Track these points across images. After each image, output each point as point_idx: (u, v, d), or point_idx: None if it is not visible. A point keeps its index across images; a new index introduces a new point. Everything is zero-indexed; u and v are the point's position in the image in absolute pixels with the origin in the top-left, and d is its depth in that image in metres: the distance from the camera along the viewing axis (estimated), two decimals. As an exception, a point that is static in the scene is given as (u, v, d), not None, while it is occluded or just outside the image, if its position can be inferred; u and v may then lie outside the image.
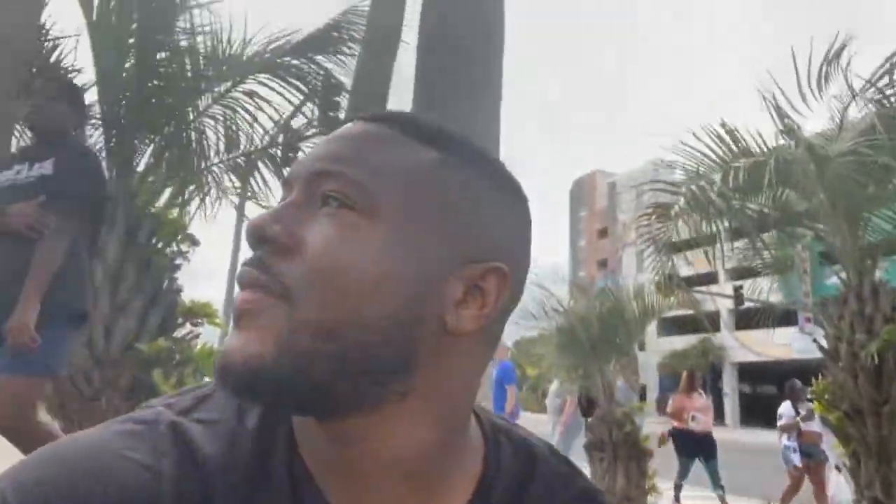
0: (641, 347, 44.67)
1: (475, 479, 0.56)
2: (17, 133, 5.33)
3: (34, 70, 4.88)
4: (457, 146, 0.53)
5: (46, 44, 5.06)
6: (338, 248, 0.47)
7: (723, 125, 6.10)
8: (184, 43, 5.33)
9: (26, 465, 0.46)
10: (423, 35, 3.58)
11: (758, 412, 37.14)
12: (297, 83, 5.62)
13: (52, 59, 5.12)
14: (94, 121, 5.16)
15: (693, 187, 6.00)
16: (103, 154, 5.52)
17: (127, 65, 5.07)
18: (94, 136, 5.34)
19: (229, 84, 5.62)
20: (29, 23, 4.49)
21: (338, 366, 0.46)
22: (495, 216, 0.53)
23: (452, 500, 0.53)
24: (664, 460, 7.72)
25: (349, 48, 5.64)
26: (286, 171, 0.54)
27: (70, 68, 5.16)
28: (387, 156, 0.50)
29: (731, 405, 38.06)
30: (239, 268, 0.50)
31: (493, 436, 0.59)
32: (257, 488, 0.49)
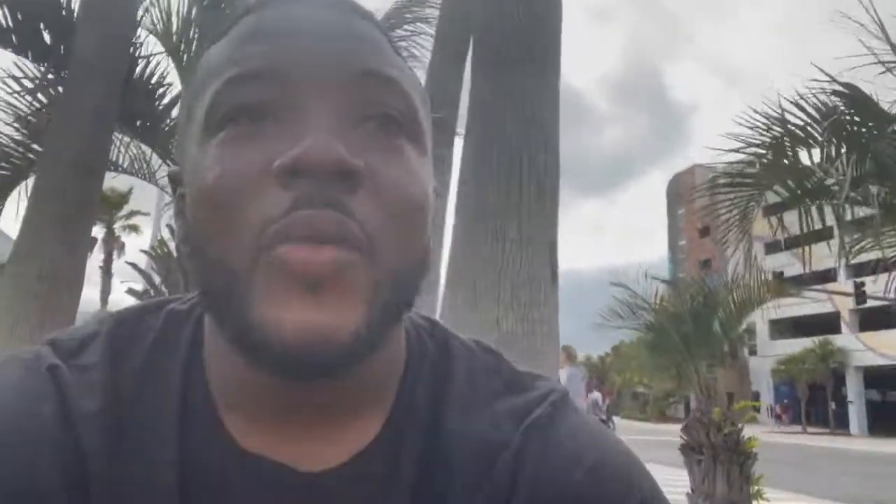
0: (753, 352, 42.43)
1: (396, 387, 0.51)
2: (119, 146, 5.78)
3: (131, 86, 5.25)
4: (404, 56, 0.49)
5: (140, 60, 5.40)
6: (409, 184, 0.42)
7: (845, 85, 5.12)
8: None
9: None
10: (477, 13, 3.51)
11: (889, 420, 34.08)
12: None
13: (145, 74, 5.46)
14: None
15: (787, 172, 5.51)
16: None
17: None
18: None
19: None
20: (122, 39, 4.81)
21: (397, 317, 0.44)
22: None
23: (373, 413, 0.49)
24: (774, 467, 7.17)
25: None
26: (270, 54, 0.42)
27: (159, 83, 5.50)
28: (404, 66, 0.46)
29: (857, 413, 35.16)
30: (291, 213, 0.38)
31: (417, 338, 0.54)
32: (151, 443, 0.45)
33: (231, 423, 0.46)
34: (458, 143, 4.27)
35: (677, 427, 8.47)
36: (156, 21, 5.49)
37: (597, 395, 9.07)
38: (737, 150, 5.77)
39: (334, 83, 0.41)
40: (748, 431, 6.98)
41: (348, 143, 0.39)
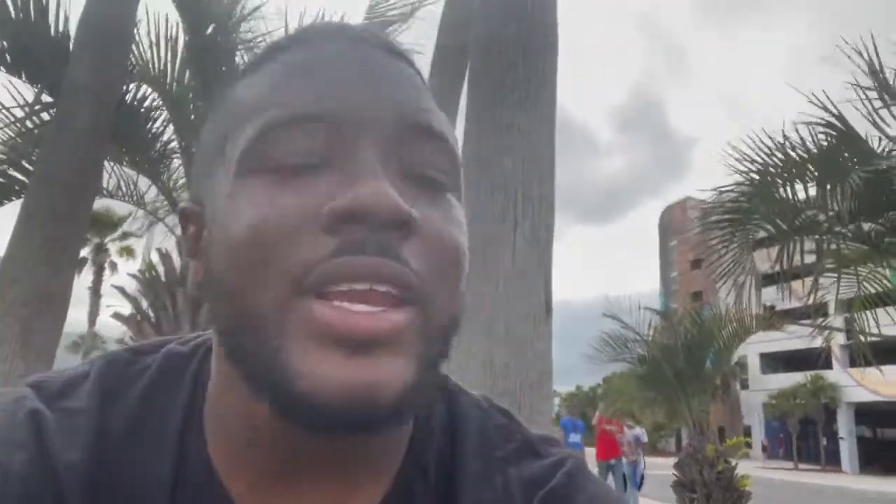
0: (744, 386, 42.27)
1: (405, 443, 0.48)
2: (106, 170, 5.73)
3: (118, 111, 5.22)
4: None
5: (131, 85, 5.39)
6: (454, 234, 0.41)
7: (832, 120, 5.11)
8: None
9: None
10: (475, 43, 3.52)
11: (880, 458, 33.91)
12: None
13: (137, 97, 5.45)
14: (172, 155, 5.45)
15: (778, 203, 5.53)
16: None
17: (200, 102, 5.33)
18: (175, 169, 5.64)
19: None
20: (115, 63, 4.80)
21: (438, 368, 0.42)
22: None
23: (383, 471, 0.46)
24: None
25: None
26: (314, 104, 0.40)
27: (151, 107, 5.48)
28: (442, 117, 0.44)
29: (848, 449, 34.95)
30: (338, 257, 0.37)
31: None
32: (120, 499, 0.42)
33: (231, 480, 0.43)
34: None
35: (668, 461, 8.37)
36: (143, 52, 5.48)
37: (638, 431, 8.79)
38: (723, 189, 5.81)
39: (384, 132, 0.40)
40: (740, 467, 6.89)
41: (399, 192, 0.38)
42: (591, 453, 9.41)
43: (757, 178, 5.67)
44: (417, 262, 0.38)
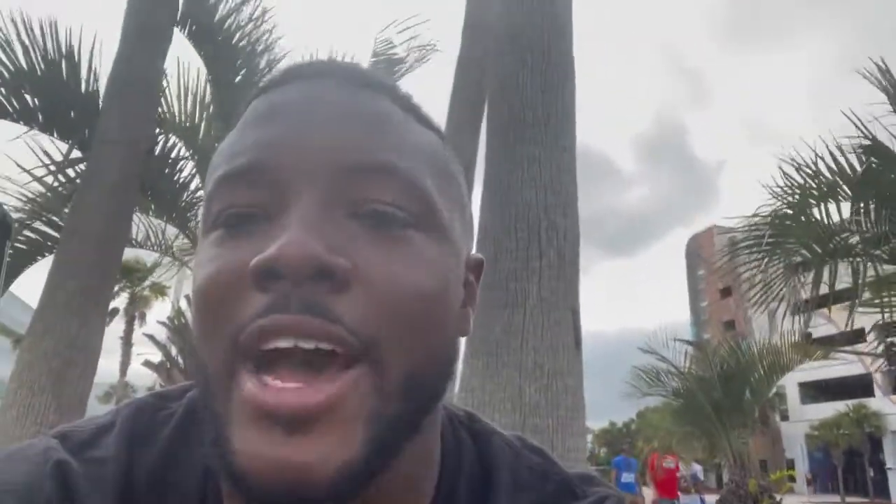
0: (784, 417, 40.99)
1: (433, 487, 0.46)
2: (136, 219, 5.85)
3: (150, 161, 5.36)
4: (436, 125, 0.45)
5: (159, 137, 5.54)
6: (409, 276, 0.37)
7: (864, 140, 5.03)
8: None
9: None
10: (494, 79, 3.55)
11: (933, 489, 32.42)
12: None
13: (165, 149, 5.59)
14: (199, 205, 5.54)
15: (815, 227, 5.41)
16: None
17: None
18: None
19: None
20: (143, 117, 4.94)
21: (415, 426, 0.38)
22: (467, 198, 0.46)
23: None
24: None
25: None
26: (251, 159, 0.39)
27: (177, 158, 5.61)
28: (415, 144, 0.41)
29: (897, 481, 33.45)
30: (265, 316, 0.34)
31: (452, 431, 0.49)
32: None
33: None
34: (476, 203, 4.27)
35: (710, 497, 8.09)
36: (171, 104, 5.65)
37: (696, 467, 8.42)
38: (754, 214, 5.70)
39: (323, 177, 0.37)
40: (785, 502, 6.63)
41: (337, 239, 0.35)
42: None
43: (792, 199, 5.55)
44: (357, 315, 0.35)
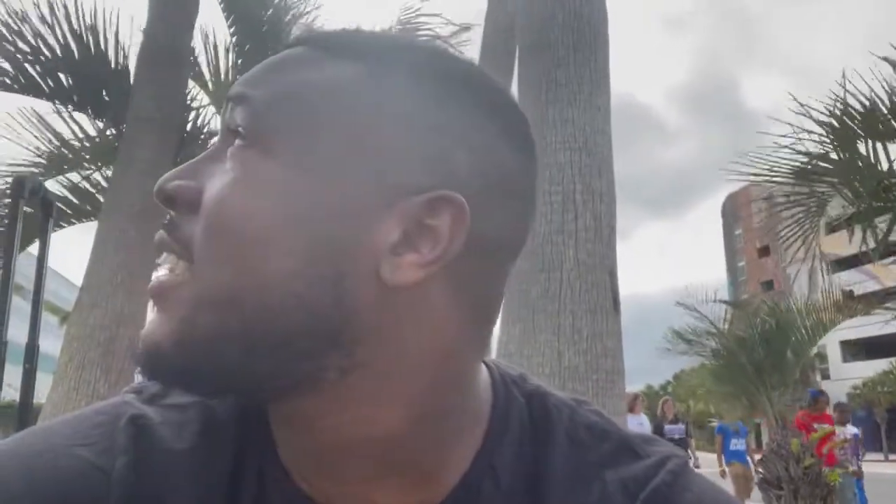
0: (825, 376, 40.39)
1: (478, 443, 0.46)
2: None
3: (184, 136, 5.42)
4: (381, 56, 0.42)
5: (192, 112, 5.59)
6: (231, 193, 0.38)
7: None
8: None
9: None
10: (523, 39, 3.47)
11: (982, 447, 31.78)
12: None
13: (198, 123, 5.64)
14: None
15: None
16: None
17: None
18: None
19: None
20: (175, 92, 4.98)
21: (245, 342, 0.38)
22: (447, 135, 0.41)
23: (447, 471, 0.45)
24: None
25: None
26: None
27: (212, 131, 5.65)
28: (288, 77, 0.41)
29: (944, 439, 32.85)
30: None
31: (504, 389, 0.49)
32: (233, 479, 0.45)
33: (297, 478, 0.45)
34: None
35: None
36: (208, 74, 5.67)
37: (853, 429, 7.21)
38: (790, 148, 5.39)
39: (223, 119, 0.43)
40: (829, 462, 6.54)
41: (200, 168, 0.41)
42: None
43: (831, 129, 5.21)
44: (190, 229, 0.39)
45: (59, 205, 5.55)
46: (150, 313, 0.41)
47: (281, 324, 0.37)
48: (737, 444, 8.10)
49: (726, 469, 8.05)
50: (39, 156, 5.49)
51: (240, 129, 0.40)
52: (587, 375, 2.62)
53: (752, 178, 5.72)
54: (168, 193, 0.40)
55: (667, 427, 7.40)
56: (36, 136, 5.45)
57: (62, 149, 5.54)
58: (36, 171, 5.47)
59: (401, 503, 0.44)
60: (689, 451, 7.68)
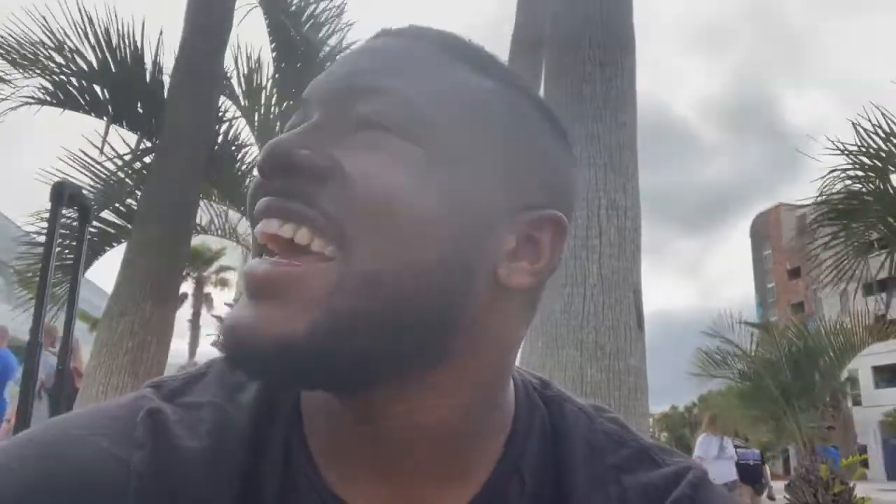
0: (856, 402, 39.34)
1: (502, 444, 0.47)
2: (202, 207, 6.06)
3: (215, 149, 5.53)
4: (509, 75, 0.47)
5: (223, 125, 5.70)
6: (393, 176, 0.39)
7: None
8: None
9: (13, 440, 0.44)
10: (550, 53, 3.49)
11: None
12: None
13: (228, 136, 5.75)
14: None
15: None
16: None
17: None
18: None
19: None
20: (208, 106, 5.08)
21: (381, 328, 0.39)
22: (553, 157, 0.47)
23: (476, 470, 0.46)
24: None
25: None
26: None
27: (242, 144, 5.76)
28: (437, 76, 0.44)
29: (983, 470, 31.72)
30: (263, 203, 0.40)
31: (526, 394, 0.51)
32: (247, 478, 0.44)
33: (325, 470, 0.45)
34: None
35: (777, 484, 7.85)
36: (239, 86, 5.78)
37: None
38: (827, 180, 5.35)
39: (326, 100, 0.42)
40: (858, 489, 6.38)
41: (322, 142, 0.40)
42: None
43: (868, 164, 5.18)
44: (334, 205, 0.38)
45: (105, 227, 5.71)
46: (254, 305, 0.38)
47: (415, 309, 0.39)
48: None
49: None
50: (96, 183, 5.62)
51: (378, 117, 0.40)
52: (609, 392, 2.60)
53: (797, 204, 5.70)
54: (294, 161, 0.39)
55: (740, 451, 7.04)
56: (91, 165, 5.57)
57: (112, 178, 5.65)
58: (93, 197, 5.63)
59: (431, 501, 0.45)
60: (764, 480, 7.28)
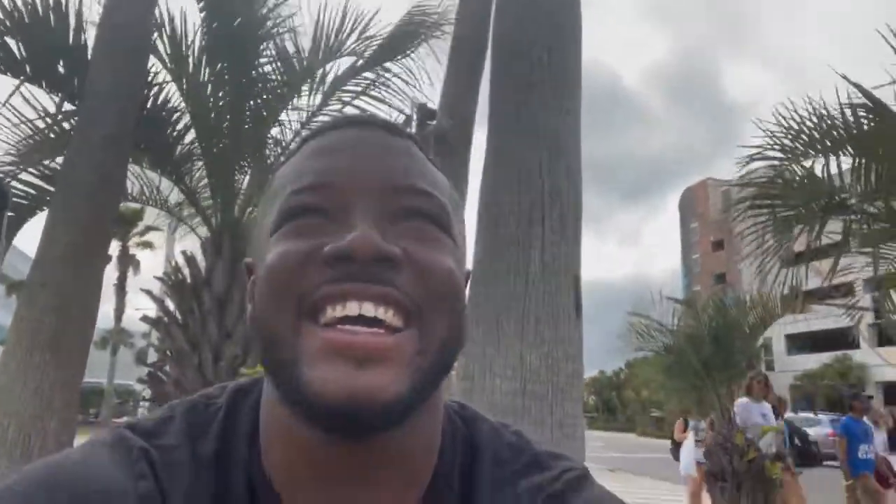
0: (769, 367, 41.88)
1: (436, 458, 0.56)
2: (130, 173, 5.76)
3: (144, 114, 5.25)
4: (438, 165, 0.58)
5: (153, 89, 5.40)
6: (444, 262, 0.49)
7: (862, 91, 4.96)
8: (269, 68, 5.67)
9: (22, 475, 0.46)
10: (498, 39, 3.45)
11: (910, 438, 33.41)
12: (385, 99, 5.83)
13: (159, 101, 5.46)
14: (194, 157, 5.47)
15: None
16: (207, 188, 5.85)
17: (221, 103, 5.34)
18: (197, 170, 5.68)
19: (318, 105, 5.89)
20: (135, 69, 4.80)
21: (441, 377, 0.50)
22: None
23: (422, 481, 0.54)
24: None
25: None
26: (318, 176, 0.51)
27: (172, 109, 5.48)
28: (438, 176, 0.55)
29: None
30: (330, 286, 0.46)
31: (448, 417, 0.59)
32: None
33: (284, 491, 0.51)
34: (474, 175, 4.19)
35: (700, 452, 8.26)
36: (165, 50, 5.49)
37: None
38: (753, 158, 5.60)
39: (376, 192, 0.49)
40: (771, 455, 6.78)
41: (390, 235, 0.48)
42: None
43: (790, 146, 5.47)
44: (409, 285, 0.47)
45: (32, 191, 5.36)
46: (362, 372, 0.44)
47: (454, 356, 0.51)
48: (865, 452, 6.86)
49: (854, 483, 6.89)
50: (14, 146, 5.26)
51: (430, 214, 0.51)
52: (548, 378, 2.66)
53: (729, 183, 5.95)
54: (389, 255, 0.46)
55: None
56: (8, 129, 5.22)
57: (35, 137, 5.30)
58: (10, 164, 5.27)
59: None
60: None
